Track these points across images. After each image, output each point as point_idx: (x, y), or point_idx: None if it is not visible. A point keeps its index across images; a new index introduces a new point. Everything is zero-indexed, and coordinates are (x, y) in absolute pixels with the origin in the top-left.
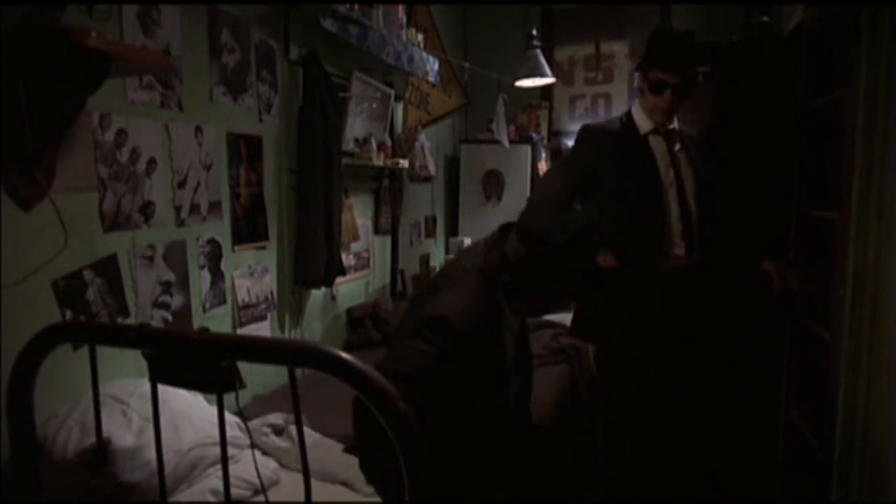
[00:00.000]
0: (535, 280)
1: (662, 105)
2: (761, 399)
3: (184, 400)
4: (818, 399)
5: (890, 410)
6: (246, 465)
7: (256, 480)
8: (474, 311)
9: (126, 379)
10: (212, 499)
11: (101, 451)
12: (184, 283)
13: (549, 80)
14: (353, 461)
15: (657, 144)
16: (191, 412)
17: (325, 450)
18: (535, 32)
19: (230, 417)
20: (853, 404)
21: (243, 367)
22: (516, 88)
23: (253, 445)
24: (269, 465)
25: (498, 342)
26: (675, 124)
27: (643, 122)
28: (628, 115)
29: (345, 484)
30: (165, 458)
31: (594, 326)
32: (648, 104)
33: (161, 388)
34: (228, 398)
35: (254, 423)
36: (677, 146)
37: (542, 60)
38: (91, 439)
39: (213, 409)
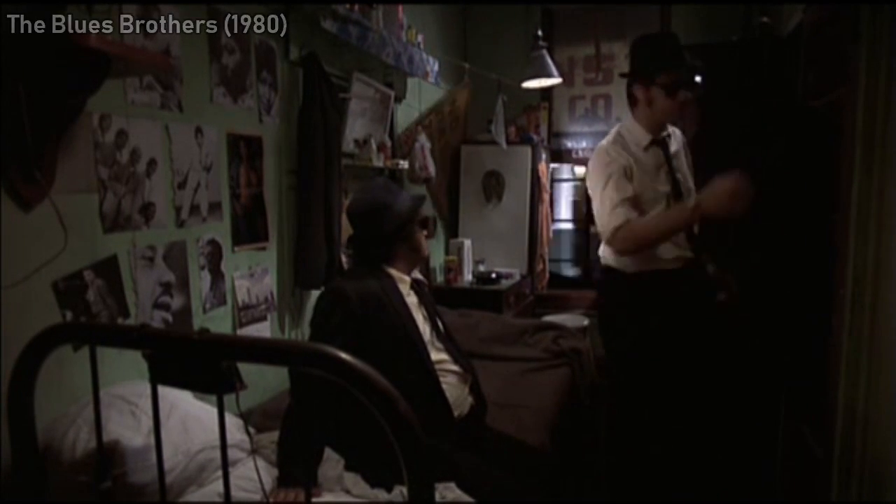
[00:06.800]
0: None
1: (677, 106)
2: (761, 399)
3: (194, 401)
4: (818, 399)
5: (890, 410)
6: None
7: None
8: None
9: (132, 381)
10: (219, 500)
11: (104, 456)
12: (184, 284)
13: (556, 80)
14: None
15: (656, 155)
16: (201, 414)
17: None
18: (540, 33)
19: (237, 421)
20: (853, 404)
21: (246, 370)
22: (516, 89)
23: (254, 450)
24: (274, 472)
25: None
26: (668, 130)
27: (642, 137)
28: (620, 135)
29: (347, 492)
30: (174, 459)
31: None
32: (658, 111)
33: (171, 389)
34: (229, 399)
35: (262, 437)
36: (673, 150)
37: (549, 61)
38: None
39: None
